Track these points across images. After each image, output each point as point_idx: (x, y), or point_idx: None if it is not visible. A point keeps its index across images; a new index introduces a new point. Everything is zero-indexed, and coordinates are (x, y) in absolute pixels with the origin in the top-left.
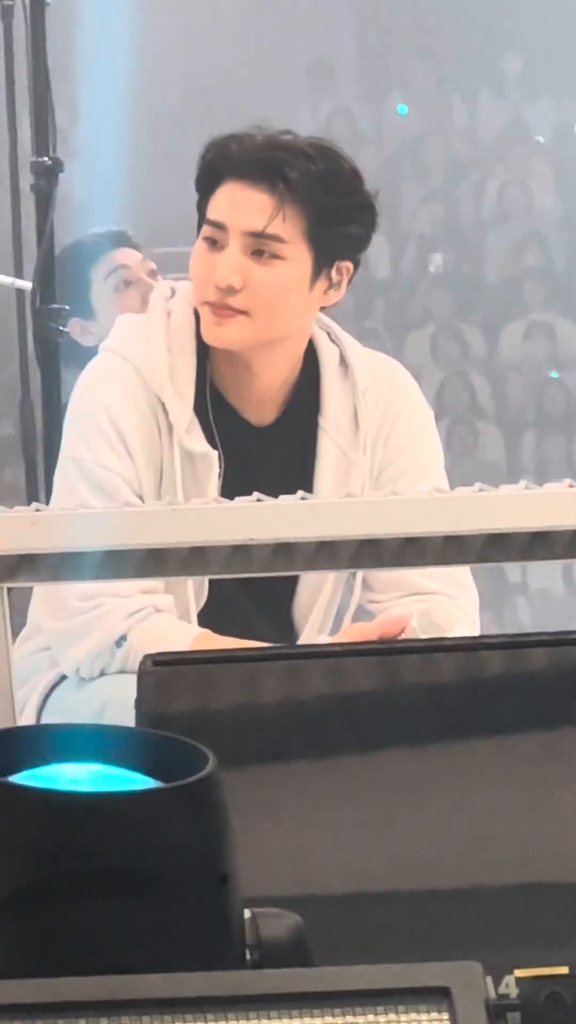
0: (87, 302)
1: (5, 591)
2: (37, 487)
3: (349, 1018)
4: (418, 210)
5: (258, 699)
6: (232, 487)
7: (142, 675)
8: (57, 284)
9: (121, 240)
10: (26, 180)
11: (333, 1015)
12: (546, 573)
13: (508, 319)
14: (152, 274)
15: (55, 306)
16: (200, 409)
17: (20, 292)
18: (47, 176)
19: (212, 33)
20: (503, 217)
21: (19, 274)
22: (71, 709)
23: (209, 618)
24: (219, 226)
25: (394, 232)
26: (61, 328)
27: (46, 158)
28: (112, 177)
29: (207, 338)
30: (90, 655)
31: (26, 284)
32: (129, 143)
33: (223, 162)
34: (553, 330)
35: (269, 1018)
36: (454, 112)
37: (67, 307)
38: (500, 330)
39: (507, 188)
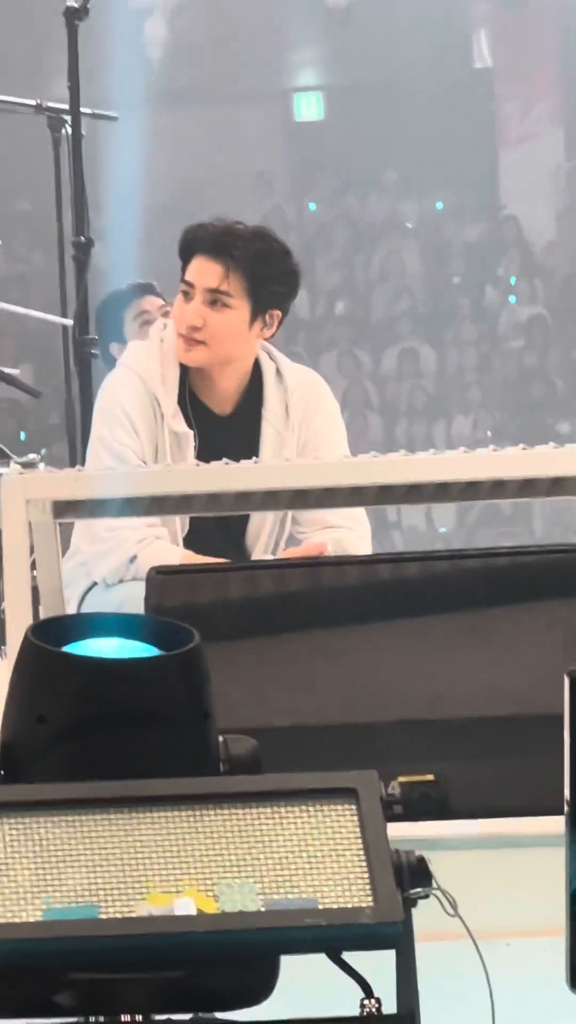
0: (121, 333)
1: (56, 525)
2: (75, 459)
3: (289, 808)
4: (327, 273)
5: (227, 596)
6: (204, 456)
7: (149, 580)
8: (100, 320)
9: (148, 289)
10: (68, 253)
11: (277, 806)
12: (413, 513)
13: (387, 345)
14: (165, 314)
15: (88, 336)
16: (182, 403)
17: (64, 327)
18: (83, 250)
19: (190, 154)
20: (384, 277)
21: (64, 315)
22: (100, 605)
23: (190, 543)
24: (190, 285)
25: (311, 287)
26: (92, 352)
27: (82, 237)
28: (127, 251)
29: (181, 359)
30: (112, 569)
31: (68, 322)
32: (136, 228)
33: (194, 242)
34: (417, 353)
35: (236, 808)
36: (352, 207)
37: (96, 337)
38: (382, 353)
39: (387, 258)
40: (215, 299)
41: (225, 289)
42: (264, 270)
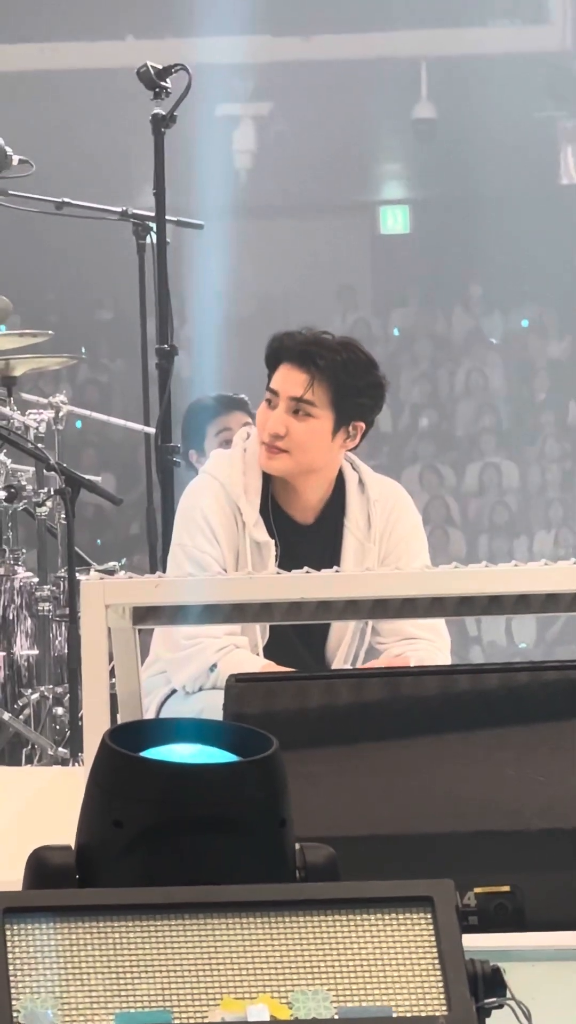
0: (202, 445)
1: (136, 631)
2: (155, 568)
3: (364, 916)
4: (411, 387)
5: (306, 705)
6: (286, 565)
7: (228, 688)
8: (184, 425)
9: (238, 405)
10: (151, 360)
11: (354, 914)
12: (493, 629)
13: (471, 460)
14: (246, 426)
15: (170, 444)
16: (264, 512)
17: (147, 435)
18: (167, 358)
19: (275, 265)
20: (468, 393)
21: (146, 423)
22: (179, 713)
23: (270, 652)
24: (274, 393)
25: (395, 401)
26: (175, 460)
27: (166, 345)
28: (209, 361)
29: (263, 467)
30: (191, 677)
31: (151, 430)
32: (219, 338)
33: (280, 350)
34: (500, 469)
35: (312, 915)
36: (437, 322)
37: (179, 445)
38: (465, 468)
39: (470, 374)
40: (298, 408)
41: (309, 398)
42: (349, 381)
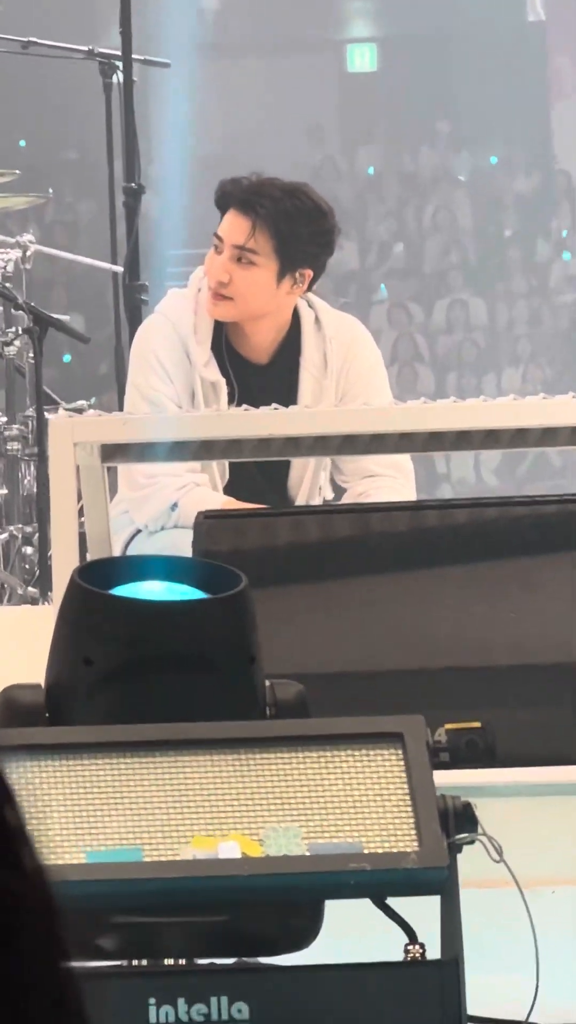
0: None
1: (104, 469)
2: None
3: (334, 753)
4: (378, 225)
5: (276, 541)
6: (242, 404)
7: (197, 525)
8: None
9: None
10: (118, 200)
11: (323, 750)
12: (463, 467)
13: (438, 297)
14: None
15: (138, 283)
16: (217, 352)
17: (115, 274)
18: (134, 196)
19: (242, 104)
20: (435, 229)
21: (114, 261)
22: (143, 552)
23: (230, 491)
24: (220, 239)
25: (362, 239)
26: (143, 299)
27: (133, 184)
28: (176, 200)
29: (208, 313)
30: (152, 516)
31: (118, 268)
32: (185, 177)
33: (226, 196)
34: (467, 305)
35: (282, 752)
36: (404, 160)
37: (147, 283)
38: (433, 305)
39: (438, 211)
40: (241, 256)
41: (251, 246)
42: (292, 229)
